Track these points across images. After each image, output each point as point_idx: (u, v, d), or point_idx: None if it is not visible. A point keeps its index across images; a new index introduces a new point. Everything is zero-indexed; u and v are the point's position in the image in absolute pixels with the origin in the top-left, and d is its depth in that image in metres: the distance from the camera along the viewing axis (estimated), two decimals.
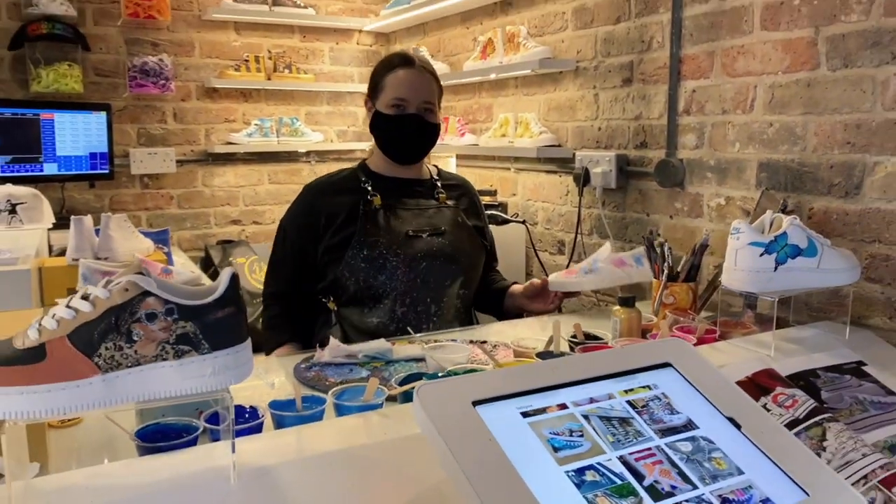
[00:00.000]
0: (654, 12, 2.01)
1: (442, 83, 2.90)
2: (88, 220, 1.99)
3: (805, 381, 1.18)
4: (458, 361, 1.23)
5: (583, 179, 2.17)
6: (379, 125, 1.68)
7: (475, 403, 0.82)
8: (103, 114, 2.85)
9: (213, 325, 0.76)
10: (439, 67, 2.99)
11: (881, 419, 1.13)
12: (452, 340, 1.46)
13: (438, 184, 1.75)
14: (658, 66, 2.00)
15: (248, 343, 0.81)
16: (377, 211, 1.64)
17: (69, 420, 1.07)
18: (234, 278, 0.79)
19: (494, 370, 1.09)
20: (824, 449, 0.99)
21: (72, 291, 1.02)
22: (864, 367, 1.27)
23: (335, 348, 1.35)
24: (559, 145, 2.39)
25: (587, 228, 2.31)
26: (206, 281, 2.32)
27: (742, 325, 1.45)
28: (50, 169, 2.77)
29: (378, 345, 1.38)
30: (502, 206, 2.63)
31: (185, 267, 2.40)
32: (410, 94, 1.64)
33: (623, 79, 2.13)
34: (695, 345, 1.31)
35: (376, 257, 1.59)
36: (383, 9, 3.39)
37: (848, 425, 1.07)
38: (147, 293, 0.74)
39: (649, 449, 0.81)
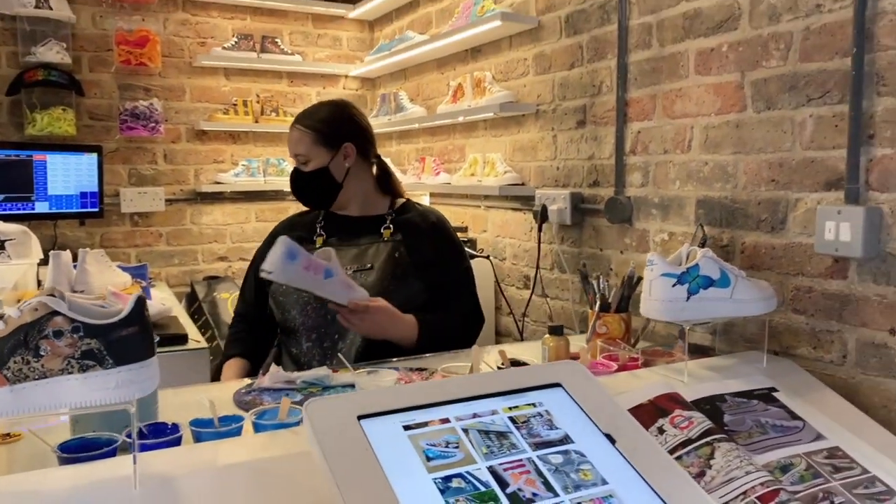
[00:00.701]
0: (603, 58, 2.11)
1: (419, 125, 3.07)
2: (67, 255, 2.09)
3: (711, 405, 1.24)
4: (385, 386, 1.30)
5: (541, 216, 2.25)
6: None
7: (360, 418, 0.89)
8: (94, 155, 2.99)
9: (118, 343, 0.85)
10: (417, 111, 3.12)
11: (779, 441, 1.18)
12: (392, 368, 1.54)
13: (388, 219, 1.82)
14: (607, 109, 2.10)
15: (154, 360, 0.89)
16: (315, 250, 1.74)
17: (11, 435, 1.15)
18: (140, 300, 0.87)
19: (382, 388, 1.15)
20: (710, 467, 1.05)
21: None
22: (775, 394, 1.32)
23: (275, 374, 1.43)
24: (523, 184, 2.48)
25: (548, 263, 2.38)
26: (178, 313, 2.41)
27: (669, 354, 1.52)
28: (41, 207, 2.90)
29: (317, 371, 1.46)
30: (471, 242, 2.72)
31: (167, 301, 2.50)
32: (289, 150, 1.82)
33: (577, 121, 2.23)
34: (615, 371, 1.38)
35: (291, 292, 1.71)
36: (368, 55, 3.54)
37: (743, 446, 1.13)
38: (56, 313, 0.82)
39: (520, 460, 0.88)
